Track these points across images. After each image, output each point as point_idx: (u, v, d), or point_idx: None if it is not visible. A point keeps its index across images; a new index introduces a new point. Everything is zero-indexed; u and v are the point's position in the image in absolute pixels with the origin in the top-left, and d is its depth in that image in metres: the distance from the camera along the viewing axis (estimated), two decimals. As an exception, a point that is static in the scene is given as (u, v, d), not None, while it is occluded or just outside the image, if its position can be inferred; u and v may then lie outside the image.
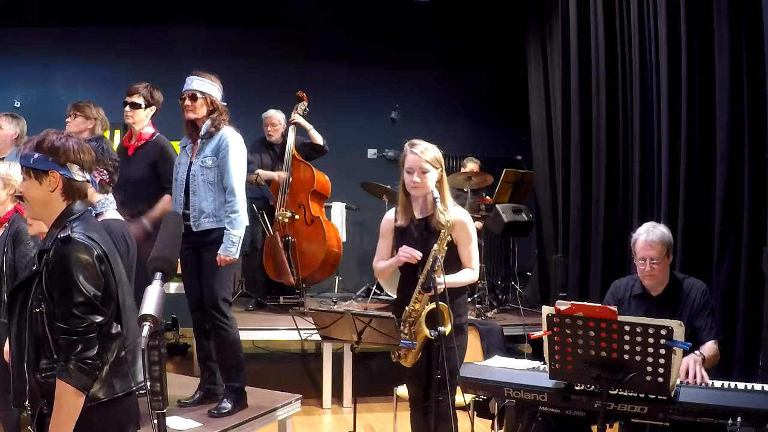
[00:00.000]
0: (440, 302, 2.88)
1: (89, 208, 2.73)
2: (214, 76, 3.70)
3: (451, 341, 2.99)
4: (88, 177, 2.20)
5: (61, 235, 2.04)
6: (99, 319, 2.04)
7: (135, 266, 2.86)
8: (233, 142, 3.61)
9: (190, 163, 3.66)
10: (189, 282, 3.73)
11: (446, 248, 3.03)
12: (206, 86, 3.63)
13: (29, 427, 2.06)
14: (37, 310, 2.03)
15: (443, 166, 3.15)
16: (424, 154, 3.06)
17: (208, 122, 3.64)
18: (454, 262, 3.13)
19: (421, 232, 3.13)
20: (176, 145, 3.90)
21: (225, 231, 3.54)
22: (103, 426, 2.08)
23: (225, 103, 3.73)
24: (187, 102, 3.63)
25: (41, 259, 2.07)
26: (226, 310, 3.61)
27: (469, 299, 4.85)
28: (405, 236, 3.15)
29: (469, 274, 3.15)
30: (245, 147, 3.73)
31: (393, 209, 3.30)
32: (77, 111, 4.06)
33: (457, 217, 3.11)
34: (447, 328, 2.93)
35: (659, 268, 3.22)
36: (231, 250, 3.53)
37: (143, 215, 3.76)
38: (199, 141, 3.66)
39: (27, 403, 2.06)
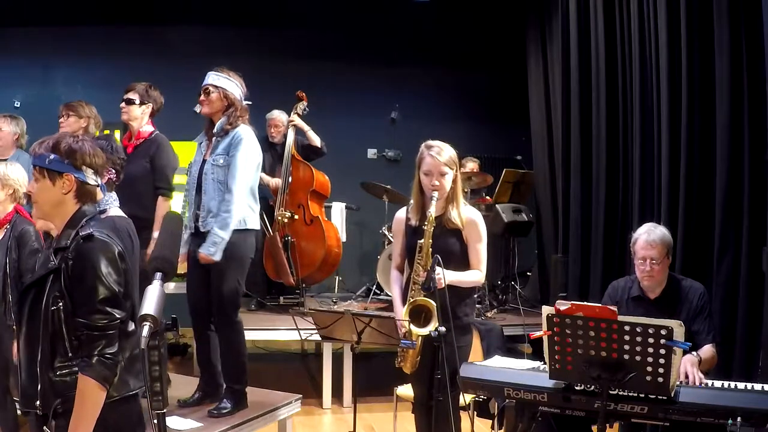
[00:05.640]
0: (432, 300, 2.90)
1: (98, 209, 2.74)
2: (234, 73, 3.63)
3: (453, 341, 2.97)
4: (99, 181, 2.22)
5: (83, 233, 2.06)
6: (120, 314, 2.05)
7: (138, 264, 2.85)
8: (246, 140, 3.50)
9: (204, 161, 3.58)
10: (194, 284, 3.64)
11: (431, 241, 3.05)
12: (222, 81, 3.56)
13: (45, 428, 2.04)
14: (54, 307, 2.03)
15: (458, 165, 3.18)
16: (441, 156, 3.08)
17: (223, 119, 3.55)
18: (462, 261, 3.15)
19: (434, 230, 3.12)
20: (175, 145, 3.88)
21: (211, 229, 3.42)
22: (117, 424, 2.09)
23: (249, 102, 3.66)
24: (202, 96, 3.58)
25: (57, 257, 2.07)
26: (233, 313, 3.57)
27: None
28: (418, 235, 3.15)
29: (475, 275, 3.17)
30: (259, 147, 3.64)
31: (404, 208, 3.31)
32: (69, 111, 4.05)
33: (468, 216, 3.15)
34: (433, 325, 2.92)
35: (659, 269, 3.21)
36: (211, 249, 3.40)
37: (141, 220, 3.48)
38: (213, 139, 3.58)
39: (38, 403, 2.04)
